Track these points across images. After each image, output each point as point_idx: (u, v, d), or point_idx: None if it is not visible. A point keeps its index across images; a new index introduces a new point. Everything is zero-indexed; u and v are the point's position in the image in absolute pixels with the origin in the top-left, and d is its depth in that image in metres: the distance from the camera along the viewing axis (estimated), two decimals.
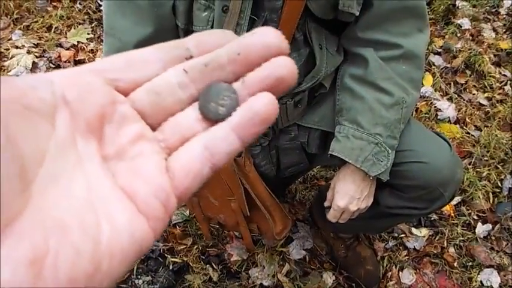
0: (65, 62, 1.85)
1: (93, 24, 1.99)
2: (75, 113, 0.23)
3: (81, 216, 0.21)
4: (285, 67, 0.24)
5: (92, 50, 1.91)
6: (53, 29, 1.93)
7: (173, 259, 1.35)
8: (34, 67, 1.80)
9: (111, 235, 0.21)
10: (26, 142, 0.20)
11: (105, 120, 0.24)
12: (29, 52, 1.84)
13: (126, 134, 0.24)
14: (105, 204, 0.22)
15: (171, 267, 1.34)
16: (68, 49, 1.89)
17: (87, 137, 0.23)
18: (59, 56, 1.86)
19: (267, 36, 0.25)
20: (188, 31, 0.87)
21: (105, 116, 0.24)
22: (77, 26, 1.97)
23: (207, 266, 1.35)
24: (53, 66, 1.83)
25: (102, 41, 1.94)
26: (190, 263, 1.34)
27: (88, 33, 1.95)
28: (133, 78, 0.25)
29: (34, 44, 1.88)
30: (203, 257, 1.37)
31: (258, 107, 0.24)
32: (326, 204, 1.05)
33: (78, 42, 1.91)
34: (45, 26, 1.95)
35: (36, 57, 1.84)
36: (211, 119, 0.25)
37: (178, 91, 0.25)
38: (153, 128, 0.26)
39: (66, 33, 1.94)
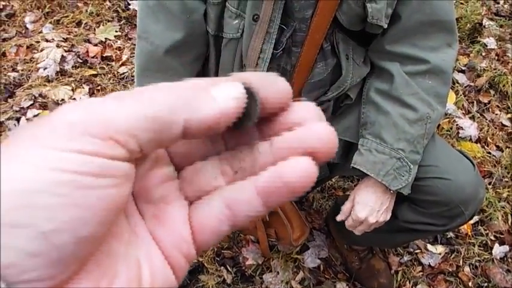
0: (93, 57, 1.89)
1: (121, 22, 2.03)
2: None
3: (128, 258, 0.21)
4: (320, 139, 0.21)
5: (119, 47, 1.94)
6: (82, 25, 1.98)
7: None
8: (62, 61, 1.84)
9: (151, 280, 0.21)
10: None
11: (141, 160, 0.23)
12: (58, 46, 1.88)
13: (155, 175, 0.23)
14: (146, 247, 0.22)
15: None
16: (95, 45, 1.93)
17: None
18: (87, 52, 1.90)
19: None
20: (218, 37, 0.89)
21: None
22: (106, 23, 2.01)
23: (222, 267, 1.36)
24: (81, 61, 1.86)
25: (129, 39, 1.97)
26: (205, 264, 1.35)
27: (116, 31, 1.99)
28: None
29: (63, 38, 1.92)
30: (218, 259, 1.38)
31: (291, 176, 0.21)
32: (339, 218, 1.05)
33: (106, 39, 1.95)
34: (75, 21, 1.99)
35: (65, 51, 1.88)
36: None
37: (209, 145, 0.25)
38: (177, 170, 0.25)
39: (94, 30, 1.98)
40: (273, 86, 0.22)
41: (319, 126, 0.22)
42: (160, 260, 0.22)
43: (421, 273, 1.40)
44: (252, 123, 0.22)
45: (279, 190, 0.21)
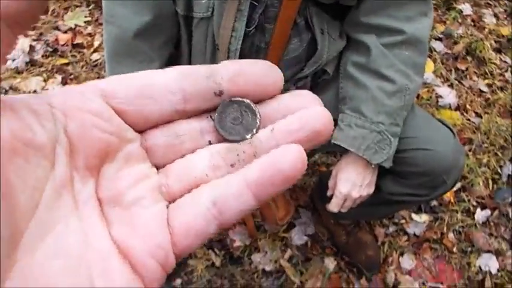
0: (63, 45, 1.82)
1: (90, 7, 1.96)
2: (76, 148, 0.20)
3: (75, 277, 0.18)
4: (321, 120, 0.22)
5: (89, 33, 1.88)
6: (49, 12, 1.90)
7: None
8: (31, 50, 1.78)
9: None
10: (23, 190, 0.18)
11: (107, 159, 0.21)
12: (25, 35, 1.81)
13: (126, 175, 0.21)
14: (102, 260, 0.19)
15: None
16: (65, 32, 1.87)
17: (85, 176, 0.20)
18: (57, 40, 1.84)
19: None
20: (188, 18, 0.86)
21: (108, 154, 0.21)
22: (74, 9, 1.94)
23: (210, 251, 1.35)
24: (51, 49, 1.80)
25: (100, 24, 1.91)
26: None
27: (85, 16, 1.92)
28: (146, 112, 0.21)
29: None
30: (206, 243, 1.37)
31: (283, 163, 0.20)
32: (329, 193, 1.05)
33: (75, 25, 1.88)
34: None
35: (33, 40, 1.81)
36: (228, 139, 0.23)
37: (199, 137, 0.23)
38: (158, 168, 0.23)
39: (63, 16, 1.91)
40: (269, 72, 0.22)
41: (320, 109, 0.22)
42: (124, 273, 0.19)
43: (406, 242, 1.42)
44: (250, 135, 0.22)
45: (272, 179, 0.20)
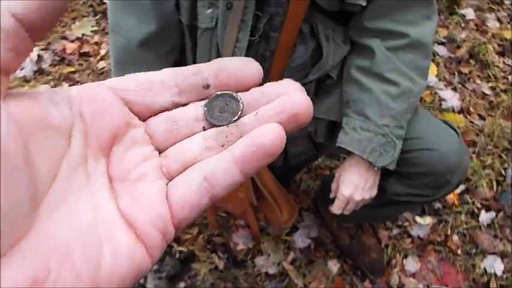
0: (70, 54, 1.86)
1: (97, 17, 1.99)
2: (90, 131, 0.23)
3: (85, 240, 0.21)
4: (301, 105, 0.24)
5: (96, 42, 1.91)
6: (57, 22, 1.94)
7: (179, 248, 1.37)
8: (39, 60, 1.81)
9: (111, 261, 0.22)
10: (43, 161, 0.21)
11: (116, 141, 0.25)
12: (34, 45, 1.84)
13: (132, 156, 0.25)
14: (109, 228, 0.22)
15: (177, 255, 1.35)
16: (72, 41, 1.90)
17: (97, 155, 0.24)
18: (64, 49, 1.87)
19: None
20: (193, 27, 0.88)
21: (117, 137, 0.24)
22: (82, 19, 1.98)
23: (213, 254, 1.36)
24: (58, 58, 1.84)
25: (106, 33, 1.94)
26: (196, 252, 1.36)
27: (92, 26, 1.96)
28: (149, 102, 0.26)
29: None
30: (209, 246, 1.38)
31: (263, 139, 0.23)
32: (332, 195, 1.06)
33: (82, 34, 1.92)
34: None
35: (41, 50, 1.84)
36: (216, 124, 0.26)
37: (194, 124, 0.26)
38: (160, 152, 0.26)
39: (70, 26, 1.95)
40: (247, 66, 0.26)
41: (300, 94, 0.24)
42: (128, 240, 0.23)
43: (410, 245, 1.42)
44: (236, 118, 0.26)
45: (254, 155, 0.23)
